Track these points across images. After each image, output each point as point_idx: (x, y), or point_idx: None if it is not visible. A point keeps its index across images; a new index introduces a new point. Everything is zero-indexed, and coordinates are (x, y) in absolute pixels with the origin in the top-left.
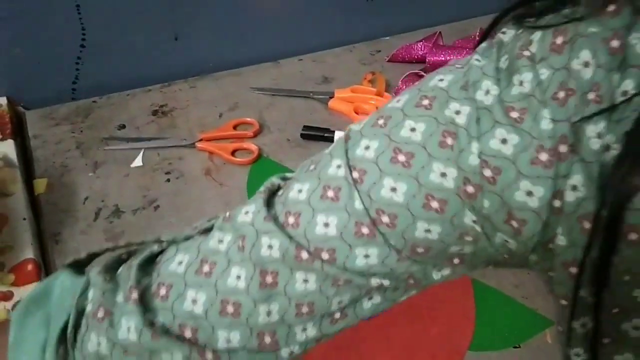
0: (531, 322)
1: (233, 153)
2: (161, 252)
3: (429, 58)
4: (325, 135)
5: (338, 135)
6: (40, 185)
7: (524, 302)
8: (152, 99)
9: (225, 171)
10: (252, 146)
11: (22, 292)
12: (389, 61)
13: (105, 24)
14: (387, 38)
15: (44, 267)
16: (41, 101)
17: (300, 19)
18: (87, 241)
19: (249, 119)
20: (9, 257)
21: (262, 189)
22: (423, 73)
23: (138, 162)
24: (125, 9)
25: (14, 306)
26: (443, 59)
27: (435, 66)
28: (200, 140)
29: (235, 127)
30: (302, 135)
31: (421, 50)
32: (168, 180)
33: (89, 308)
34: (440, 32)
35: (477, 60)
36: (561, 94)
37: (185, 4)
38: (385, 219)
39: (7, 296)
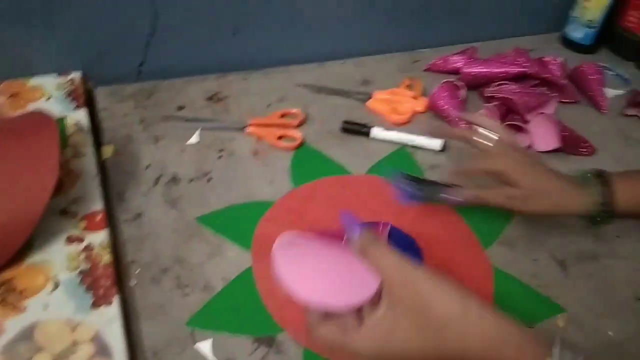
0: (545, 308)
1: (279, 138)
2: None
3: (463, 70)
4: (363, 130)
5: (374, 131)
6: (107, 150)
7: (538, 289)
8: (208, 87)
9: (270, 154)
10: (297, 134)
11: (91, 237)
12: (426, 70)
13: (176, 14)
14: (426, 50)
15: (110, 220)
16: (109, 79)
17: (347, 26)
18: (147, 202)
19: (294, 110)
20: (81, 207)
21: None
22: (458, 83)
23: (194, 139)
24: (195, 2)
25: (84, 248)
26: (477, 71)
27: (468, 77)
28: (250, 125)
29: (282, 117)
30: (342, 129)
31: (457, 62)
32: (220, 157)
33: None
34: (476, 48)
35: None
36: None
37: (247, 3)
38: None
39: (79, 239)
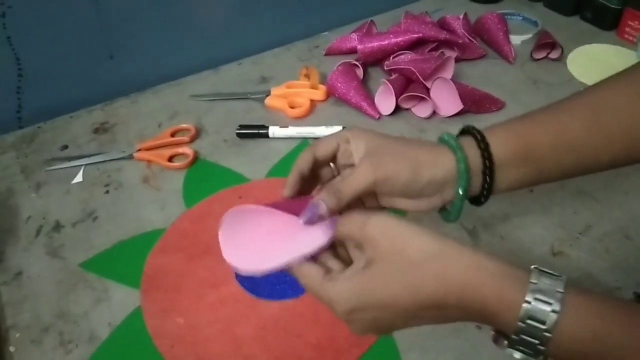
0: None
1: (170, 159)
2: None
3: (359, 47)
4: (260, 132)
5: (272, 130)
6: None
7: None
8: (94, 118)
9: (162, 177)
10: (188, 150)
11: None
12: (326, 54)
13: (39, 52)
14: (326, 33)
15: None
16: None
17: (236, 24)
18: (28, 257)
19: (185, 125)
20: None
21: None
22: (355, 62)
23: (78, 178)
24: (55, 35)
25: None
26: (372, 46)
27: (365, 54)
28: (139, 150)
29: (173, 135)
30: (238, 134)
31: (354, 40)
32: (107, 191)
33: None
34: (372, 21)
35: None
36: None
37: (115, 22)
38: None
39: None
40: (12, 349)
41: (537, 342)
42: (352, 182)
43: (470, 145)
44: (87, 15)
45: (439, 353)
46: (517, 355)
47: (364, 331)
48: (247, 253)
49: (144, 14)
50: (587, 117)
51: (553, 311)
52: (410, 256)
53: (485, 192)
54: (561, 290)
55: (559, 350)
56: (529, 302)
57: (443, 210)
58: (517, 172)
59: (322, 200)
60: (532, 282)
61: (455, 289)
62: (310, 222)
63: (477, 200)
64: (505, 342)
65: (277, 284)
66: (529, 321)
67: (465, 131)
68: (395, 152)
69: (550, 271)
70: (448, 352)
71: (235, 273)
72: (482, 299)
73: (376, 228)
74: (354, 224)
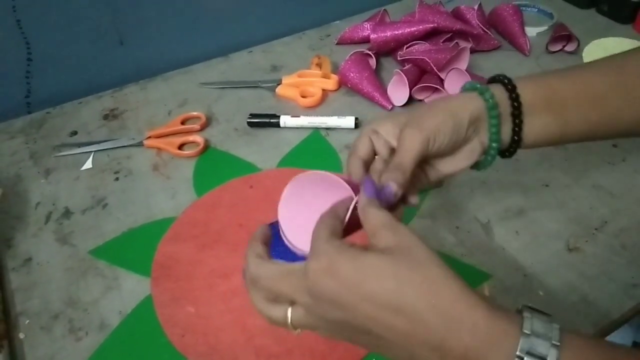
0: (470, 276)
1: (180, 147)
2: None
3: (372, 36)
4: (271, 121)
5: (283, 120)
6: None
7: (462, 259)
8: (104, 104)
9: (172, 165)
10: (198, 138)
11: None
12: (337, 44)
13: (48, 36)
14: (337, 22)
15: None
16: None
17: (247, 12)
18: (37, 244)
19: (195, 113)
20: None
21: None
22: (368, 52)
23: (88, 164)
24: (65, 20)
25: None
26: (385, 35)
27: (379, 44)
28: (149, 137)
29: (183, 123)
30: (249, 123)
31: (367, 29)
32: (117, 179)
33: None
34: (385, 10)
35: None
36: None
37: (125, 8)
38: None
39: None
40: (21, 335)
41: None
42: (406, 150)
43: (497, 89)
44: (98, 0)
45: None
46: None
47: (316, 316)
48: (305, 232)
49: (155, 1)
50: (612, 74)
51: (553, 346)
52: (413, 258)
53: (515, 137)
54: (557, 331)
55: None
56: (527, 338)
57: (476, 164)
58: (544, 120)
59: (389, 180)
60: (525, 322)
61: (435, 328)
62: (388, 204)
63: (507, 150)
64: None
65: None
66: (527, 358)
67: (491, 80)
68: (427, 112)
69: (541, 316)
70: None
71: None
72: (464, 345)
73: (392, 232)
74: (380, 219)
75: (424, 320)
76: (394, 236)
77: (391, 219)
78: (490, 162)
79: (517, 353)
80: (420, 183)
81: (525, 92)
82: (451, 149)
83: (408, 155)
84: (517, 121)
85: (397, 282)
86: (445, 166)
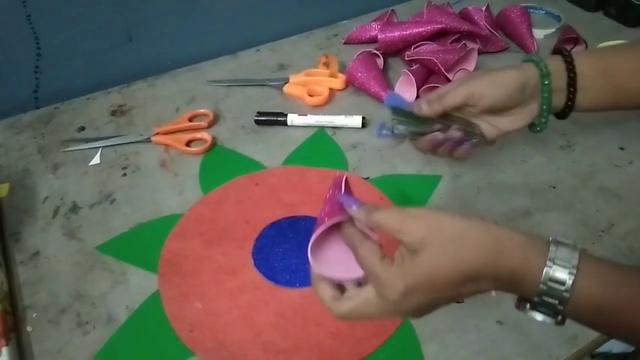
0: None
1: (188, 144)
2: None
3: (380, 36)
4: (279, 119)
5: (291, 118)
6: (2, 190)
7: None
8: (112, 100)
9: (180, 162)
10: (206, 135)
11: None
12: (345, 43)
13: (57, 32)
14: (345, 22)
15: (5, 264)
16: (5, 112)
17: (255, 11)
18: (45, 238)
19: (203, 110)
20: None
21: None
22: (376, 52)
23: (96, 160)
24: (75, 15)
25: None
26: (393, 35)
27: (386, 43)
28: (157, 134)
29: (190, 120)
30: (256, 121)
31: (375, 29)
32: (124, 174)
33: None
34: (393, 10)
35: None
36: None
37: (134, 5)
38: None
39: None
40: (29, 328)
41: (556, 302)
42: (451, 95)
43: (555, 60)
44: None
45: (459, 348)
46: (539, 317)
47: (410, 315)
48: (335, 265)
49: None
50: None
51: (570, 273)
52: (448, 233)
53: (569, 103)
54: (576, 257)
55: (575, 309)
56: (549, 267)
57: (531, 126)
58: (598, 84)
59: (425, 99)
60: (551, 250)
61: (490, 258)
62: (419, 110)
63: (562, 112)
64: (528, 305)
65: (297, 271)
66: (550, 283)
67: (555, 52)
68: (483, 75)
69: (567, 241)
70: (468, 346)
71: (254, 261)
72: (511, 265)
73: (413, 218)
74: (392, 217)
75: (486, 274)
76: (416, 223)
77: (398, 211)
78: (544, 125)
79: (547, 263)
80: (474, 132)
81: (581, 63)
82: (504, 109)
83: (450, 97)
84: (571, 89)
85: (455, 261)
86: (503, 123)
